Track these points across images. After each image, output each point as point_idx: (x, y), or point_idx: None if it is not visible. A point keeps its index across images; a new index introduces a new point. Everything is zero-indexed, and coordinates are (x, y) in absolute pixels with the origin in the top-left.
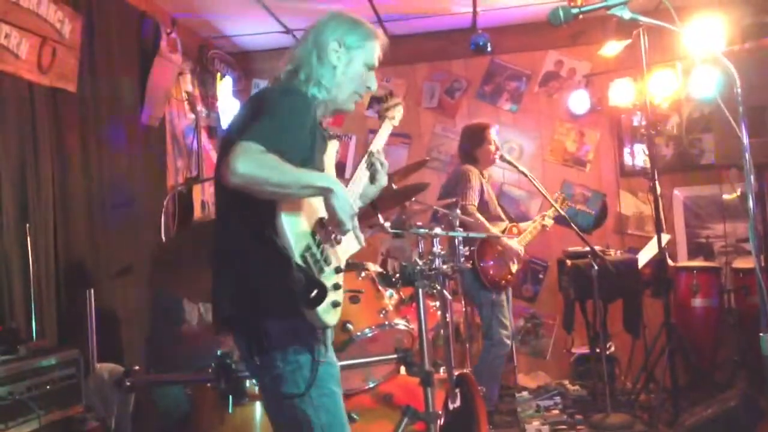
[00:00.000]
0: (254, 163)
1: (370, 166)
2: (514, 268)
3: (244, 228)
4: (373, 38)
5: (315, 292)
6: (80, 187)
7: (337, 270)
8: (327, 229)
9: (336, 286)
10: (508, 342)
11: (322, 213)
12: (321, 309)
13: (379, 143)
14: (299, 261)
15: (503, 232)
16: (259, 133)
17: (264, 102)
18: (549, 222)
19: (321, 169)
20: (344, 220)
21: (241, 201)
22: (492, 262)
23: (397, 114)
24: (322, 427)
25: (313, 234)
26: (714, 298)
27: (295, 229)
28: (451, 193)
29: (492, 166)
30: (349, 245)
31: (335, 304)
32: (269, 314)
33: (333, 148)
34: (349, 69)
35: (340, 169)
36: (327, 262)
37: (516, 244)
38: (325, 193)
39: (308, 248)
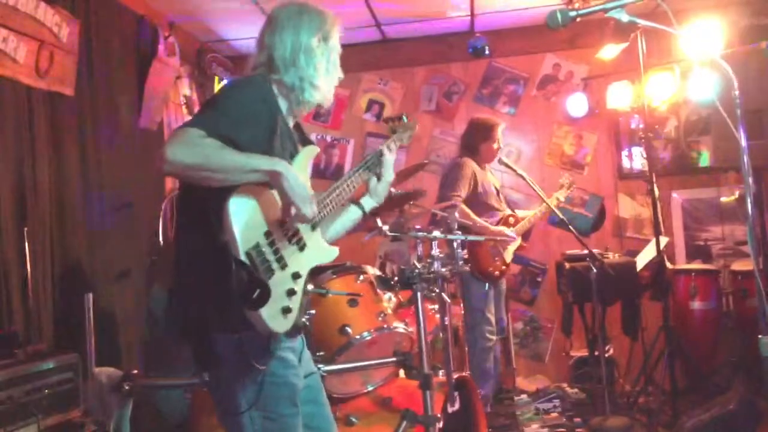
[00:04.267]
0: (188, 148)
1: (371, 167)
2: (509, 257)
3: (193, 228)
4: (336, 24)
5: (257, 292)
6: (78, 191)
7: (295, 276)
8: (287, 229)
9: (290, 292)
10: (492, 338)
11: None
12: (267, 314)
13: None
14: (243, 258)
15: (500, 221)
16: (202, 119)
17: (218, 94)
18: (562, 196)
19: None
20: (299, 204)
21: (193, 198)
22: (485, 253)
23: (406, 136)
24: None
25: (268, 233)
26: (712, 301)
27: (244, 225)
28: (446, 184)
29: (490, 164)
30: (318, 254)
31: (286, 311)
32: (215, 328)
33: (307, 153)
34: (331, 64)
35: (339, 171)
36: (281, 264)
37: (509, 230)
38: (274, 176)
39: (257, 246)
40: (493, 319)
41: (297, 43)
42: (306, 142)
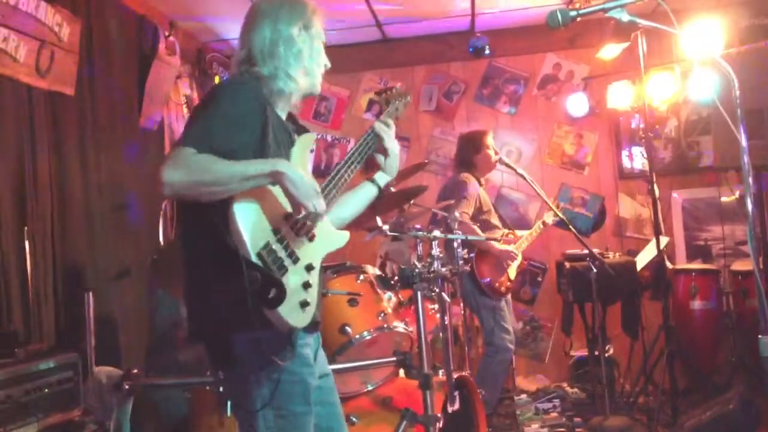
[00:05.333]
0: (182, 170)
1: (371, 141)
2: (513, 273)
3: (200, 233)
4: (317, 12)
5: (273, 292)
6: (78, 191)
7: (308, 267)
8: (294, 223)
9: (306, 285)
10: (512, 347)
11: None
12: (285, 310)
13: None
14: (255, 259)
15: (500, 238)
16: (192, 135)
17: (204, 100)
18: (549, 219)
19: None
20: (305, 201)
21: (195, 205)
22: (490, 269)
23: (401, 106)
24: None
25: (276, 230)
26: (712, 301)
27: (251, 227)
28: (447, 199)
29: (488, 174)
30: (329, 241)
31: (304, 304)
32: (231, 327)
33: (304, 142)
34: (314, 51)
35: None
36: (293, 259)
37: (510, 247)
38: (276, 177)
39: (267, 246)
40: (511, 329)
41: (276, 34)
42: (301, 131)
